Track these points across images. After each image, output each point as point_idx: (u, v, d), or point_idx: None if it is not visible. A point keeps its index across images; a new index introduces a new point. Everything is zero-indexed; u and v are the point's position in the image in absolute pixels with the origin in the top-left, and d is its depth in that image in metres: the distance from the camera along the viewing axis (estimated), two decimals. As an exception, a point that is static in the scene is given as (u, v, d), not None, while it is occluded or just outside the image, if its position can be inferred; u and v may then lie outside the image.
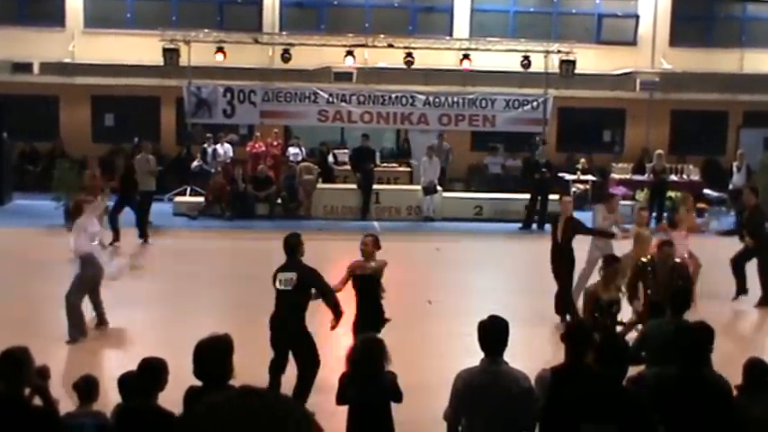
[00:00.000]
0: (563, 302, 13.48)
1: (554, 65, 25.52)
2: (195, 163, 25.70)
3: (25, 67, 27.09)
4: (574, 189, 26.10)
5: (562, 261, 13.54)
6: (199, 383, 6.23)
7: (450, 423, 6.51)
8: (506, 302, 14.11)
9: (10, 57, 26.94)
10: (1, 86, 26.38)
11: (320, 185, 24.76)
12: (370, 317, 10.15)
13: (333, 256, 19.95)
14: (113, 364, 9.74)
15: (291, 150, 26.22)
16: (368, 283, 10.32)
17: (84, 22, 28.14)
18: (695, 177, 26.56)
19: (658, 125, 29.42)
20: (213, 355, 6.11)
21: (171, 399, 6.76)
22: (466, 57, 25.47)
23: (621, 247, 13.82)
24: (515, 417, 6.21)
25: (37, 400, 6.84)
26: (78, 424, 6.97)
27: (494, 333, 6.37)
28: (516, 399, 6.17)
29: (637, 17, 29.58)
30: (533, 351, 12.19)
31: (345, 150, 26.86)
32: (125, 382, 6.96)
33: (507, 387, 6.18)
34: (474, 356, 6.52)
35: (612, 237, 14.03)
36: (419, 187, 24.54)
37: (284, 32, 27.04)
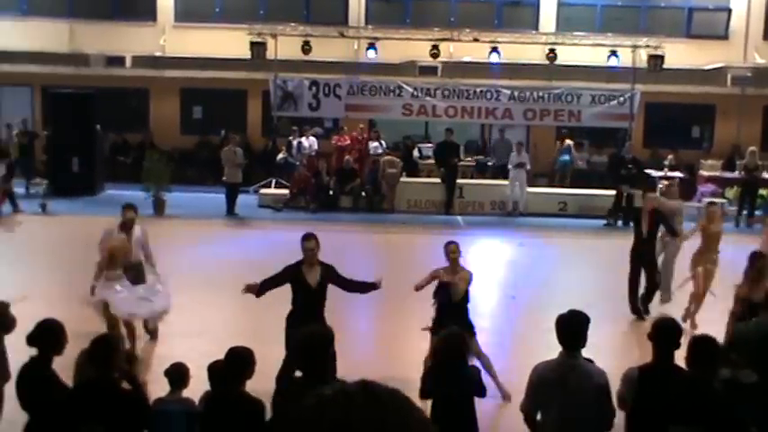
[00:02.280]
0: (645, 298, 13.69)
1: (642, 59, 25.13)
2: (280, 155, 26.00)
3: (118, 61, 27.75)
4: (660, 185, 25.66)
5: (646, 256, 13.55)
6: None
7: (526, 415, 6.52)
8: (590, 299, 13.98)
9: (104, 50, 27.61)
10: (95, 80, 27.07)
11: (404, 179, 24.82)
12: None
13: (415, 250, 20.04)
14: (199, 352, 9.93)
15: (372, 144, 26.36)
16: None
17: (175, 16, 28.68)
18: (788, 175, 25.87)
19: (750, 121, 28.73)
20: (316, 347, 6.18)
21: (254, 388, 6.90)
22: (552, 51, 25.25)
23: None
24: (589, 413, 6.15)
25: (125, 385, 7.06)
26: (167, 410, 7.14)
27: (572, 327, 6.32)
28: (590, 395, 6.11)
29: (729, 10, 28.92)
30: (616, 350, 12.10)
31: (430, 145, 26.87)
32: (214, 370, 7.10)
33: (581, 382, 6.13)
34: (555, 352, 6.49)
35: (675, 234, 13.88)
36: (503, 182, 24.47)
37: (370, 26, 27.13)
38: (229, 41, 26.18)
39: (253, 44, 24.48)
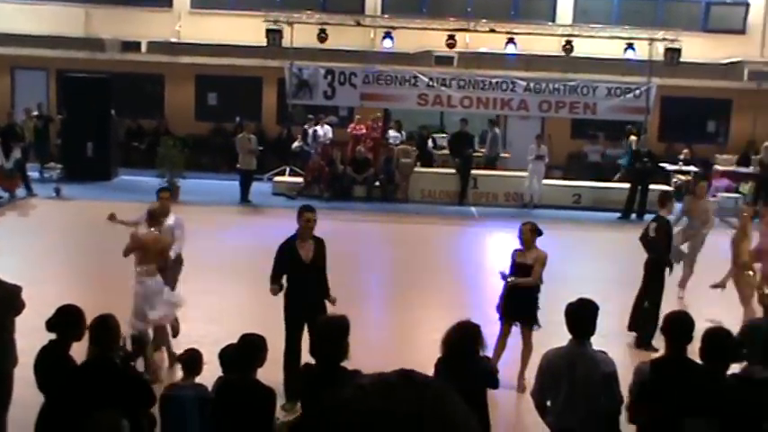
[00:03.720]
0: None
1: (658, 53, 25.04)
2: (296, 144, 26.01)
3: (133, 46, 27.78)
4: (674, 180, 25.63)
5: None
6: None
7: (536, 401, 6.59)
8: (602, 291, 14.03)
9: (119, 36, 27.65)
10: (110, 65, 27.13)
11: (418, 169, 24.81)
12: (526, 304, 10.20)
13: (429, 241, 20.04)
14: (213, 339, 9.97)
15: (391, 133, 26.35)
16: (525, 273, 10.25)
17: (191, 2, 28.69)
18: (804, 171, 25.80)
19: (766, 116, 28.58)
20: (331, 334, 6.22)
21: (265, 375, 6.93)
22: (568, 43, 25.18)
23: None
24: (597, 400, 6.17)
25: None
26: (180, 395, 7.18)
27: (580, 316, 6.37)
28: (596, 383, 6.14)
29: (747, 5, 28.75)
30: (628, 341, 12.10)
31: (444, 135, 26.83)
32: (225, 356, 7.13)
33: (588, 370, 6.16)
34: (566, 342, 6.52)
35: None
36: (519, 173, 24.46)
37: (386, 15, 27.10)
38: (245, 28, 26.18)
39: (269, 31, 24.47)
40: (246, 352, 6.91)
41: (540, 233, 10.33)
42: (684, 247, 14.48)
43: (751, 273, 12.52)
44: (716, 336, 6.21)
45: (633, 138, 26.38)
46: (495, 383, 7.09)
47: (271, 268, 9.63)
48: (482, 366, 7.00)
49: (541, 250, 10.28)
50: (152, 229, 10.55)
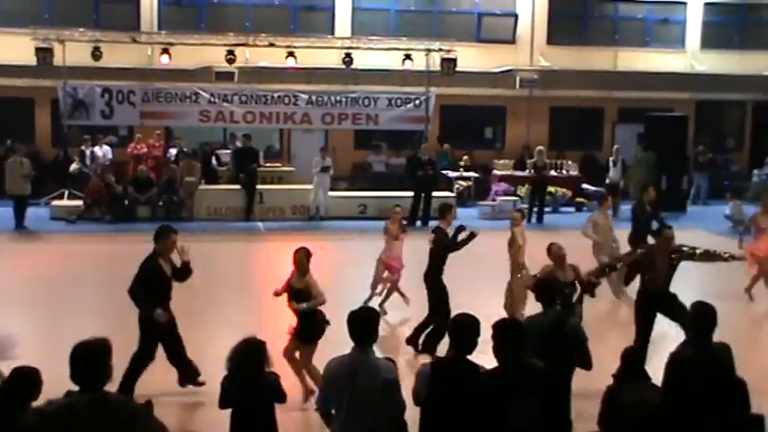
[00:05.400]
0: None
1: (435, 63, 25.80)
2: (74, 166, 25.07)
3: None
4: (457, 186, 26.45)
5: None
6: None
7: (321, 411, 6.58)
8: (392, 299, 14.33)
9: None
10: None
11: (203, 186, 24.45)
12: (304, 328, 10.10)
13: (217, 258, 19.74)
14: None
15: (173, 151, 25.83)
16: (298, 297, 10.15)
17: (-49, 20, 27.08)
18: (574, 172, 27.26)
19: (538, 121, 30.03)
20: (88, 358, 5.94)
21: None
22: (348, 55, 25.51)
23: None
24: (377, 407, 6.21)
25: None
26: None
27: (361, 323, 6.41)
28: (378, 390, 6.19)
29: (515, 16, 30.09)
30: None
31: (228, 151, 26.59)
32: (-3, 392, 6.70)
33: (369, 377, 6.20)
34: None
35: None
36: (305, 187, 24.45)
37: (163, 31, 26.60)
38: (12, 47, 25.01)
39: (38, 50, 23.50)
40: (18, 386, 6.51)
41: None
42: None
43: (524, 273, 12.97)
44: (506, 329, 6.35)
45: (446, 146, 27.18)
46: (282, 398, 7.05)
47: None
48: (268, 382, 6.95)
49: (309, 276, 10.20)
50: None
